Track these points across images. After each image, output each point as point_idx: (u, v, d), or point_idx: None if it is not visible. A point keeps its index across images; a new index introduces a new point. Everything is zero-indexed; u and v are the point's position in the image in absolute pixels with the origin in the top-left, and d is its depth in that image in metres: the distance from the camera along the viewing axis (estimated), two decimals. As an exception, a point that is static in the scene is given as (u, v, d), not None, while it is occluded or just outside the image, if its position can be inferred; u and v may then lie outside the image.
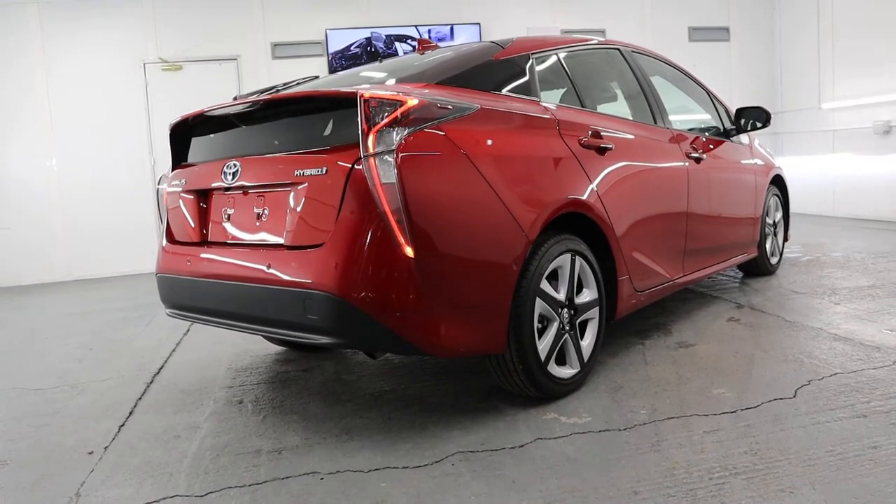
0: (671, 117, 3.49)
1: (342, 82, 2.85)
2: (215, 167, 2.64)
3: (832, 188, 7.73)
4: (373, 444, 2.30)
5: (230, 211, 2.63)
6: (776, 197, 4.66)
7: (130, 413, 2.79)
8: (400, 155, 2.11)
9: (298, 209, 2.30)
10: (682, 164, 3.36)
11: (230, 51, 7.08)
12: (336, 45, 7.21)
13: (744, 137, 4.27)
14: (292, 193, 2.33)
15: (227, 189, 2.61)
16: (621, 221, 2.86)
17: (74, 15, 6.76)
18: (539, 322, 2.49)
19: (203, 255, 2.65)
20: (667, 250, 3.27)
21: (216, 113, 2.67)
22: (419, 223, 2.12)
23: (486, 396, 2.67)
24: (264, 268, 2.37)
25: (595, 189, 2.69)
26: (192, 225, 2.76)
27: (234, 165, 2.54)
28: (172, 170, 2.96)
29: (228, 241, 2.60)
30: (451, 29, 7.41)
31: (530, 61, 2.77)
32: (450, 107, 2.28)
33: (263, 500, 1.94)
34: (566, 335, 2.58)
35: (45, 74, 6.72)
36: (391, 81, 2.52)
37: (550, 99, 2.83)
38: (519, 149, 2.44)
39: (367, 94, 2.18)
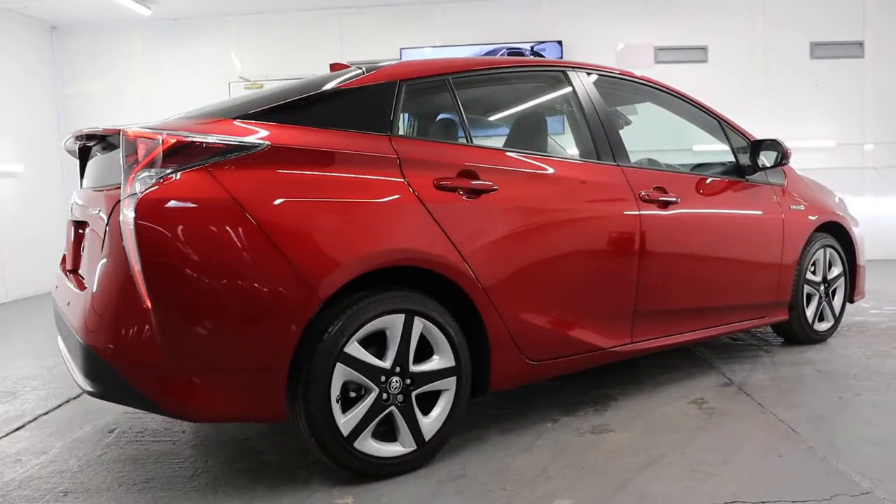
0: (664, 153, 2.89)
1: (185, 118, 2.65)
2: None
3: None
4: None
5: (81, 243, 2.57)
6: (830, 249, 3.78)
7: None
8: (147, 198, 1.93)
9: (83, 249, 2.18)
10: (630, 208, 2.78)
11: (308, 71, 7.24)
12: (410, 64, 7.12)
13: (773, 176, 3.50)
14: (86, 231, 2.23)
15: (76, 222, 2.56)
16: (499, 277, 2.40)
17: (171, 35, 7.29)
18: (355, 391, 2.16)
19: (61, 284, 2.61)
20: (594, 313, 2.72)
21: (75, 144, 2.62)
22: (161, 274, 1.92)
23: (312, 465, 2.36)
24: (67, 306, 2.30)
25: (450, 238, 2.28)
26: (67, 252, 2.74)
27: (76, 197, 2.50)
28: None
29: (70, 273, 2.55)
30: (532, 48, 7.00)
31: (395, 90, 2.41)
32: (222, 145, 2.02)
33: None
34: (392, 407, 2.20)
35: (142, 90, 7.29)
36: (204, 116, 2.30)
37: (427, 132, 2.46)
38: (320, 193, 2.10)
39: (129, 132, 2.01)
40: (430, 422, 2.30)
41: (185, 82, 7.27)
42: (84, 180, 2.71)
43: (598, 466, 2.27)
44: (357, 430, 2.15)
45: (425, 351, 2.30)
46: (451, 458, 2.38)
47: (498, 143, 2.82)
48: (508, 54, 3.43)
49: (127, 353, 1.95)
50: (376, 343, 2.21)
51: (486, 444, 2.50)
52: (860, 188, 7.00)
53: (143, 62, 7.33)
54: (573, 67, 2.93)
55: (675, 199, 2.95)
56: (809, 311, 3.70)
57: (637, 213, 2.80)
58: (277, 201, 2.04)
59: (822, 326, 3.80)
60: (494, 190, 2.42)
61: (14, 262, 6.57)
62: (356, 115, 2.32)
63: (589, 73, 2.97)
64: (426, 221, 2.25)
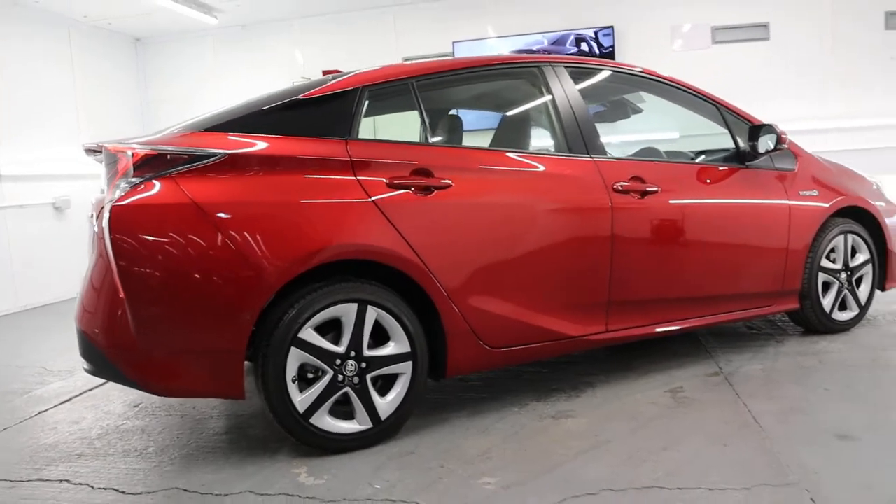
0: (666, 140, 2.91)
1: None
2: None
3: None
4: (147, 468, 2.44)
5: None
6: (853, 236, 3.62)
7: None
8: (119, 204, 2.24)
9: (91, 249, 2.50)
10: (601, 200, 2.83)
11: (365, 65, 7.54)
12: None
13: (781, 161, 3.40)
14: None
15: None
16: (454, 269, 2.55)
17: (240, 41, 7.77)
18: (313, 373, 2.40)
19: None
20: (563, 302, 2.80)
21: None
22: (131, 269, 2.22)
23: (285, 440, 2.62)
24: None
25: (401, 233, 2.45)
26: None
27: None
28: None
29: None
30: (582, 37, 6.95)
31: (356, 96, 2.59)
32: (186, 156, 2.29)
33: None
34: (348, 388, 2.42)
35: (214, 92, 7.80)
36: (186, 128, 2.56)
37: (392, 132, 2.64)
38: (273, 195, 2.33)
39: (109, 146, 2.33)
40: (387, 403, 2.49)
41: (253, 83, 7.74)
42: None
43: (539, 450, 2.39)
44: (313, 408, 2.38)
45: (386, 337, 2.49)
46: (408, 437, 2.57)
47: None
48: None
49: (109, 337, 2.28)
50: (336, 329, 2.43)
51: (447, 426, 2.66)
52: (943, 167, 6.47)
53: (215, 66, 7.87)
54: (547, 62, 2.99)
55: (654, 188, 2.96)
56: (827, 300, 3.57)
57: (608, 204, 2.84)
58: (233, 204, 2.29)
59: (843, 316, 3.65)
60: (449, 186, 2.56)
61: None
62: (316, 122, 2.53)
63: (566, 67, 3.03)
64: (376, 218, 2.43)
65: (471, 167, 2.67)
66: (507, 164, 2.77)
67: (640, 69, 3.31)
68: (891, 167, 6.46)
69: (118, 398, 3.30)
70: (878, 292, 3.81)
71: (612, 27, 6.90)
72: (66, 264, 5.65)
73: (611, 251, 2.86)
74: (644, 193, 2.94)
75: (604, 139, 3.02)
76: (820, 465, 2.15)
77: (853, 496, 1.95)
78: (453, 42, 7.26)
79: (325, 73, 3.08)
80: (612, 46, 6.93)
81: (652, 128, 5.18)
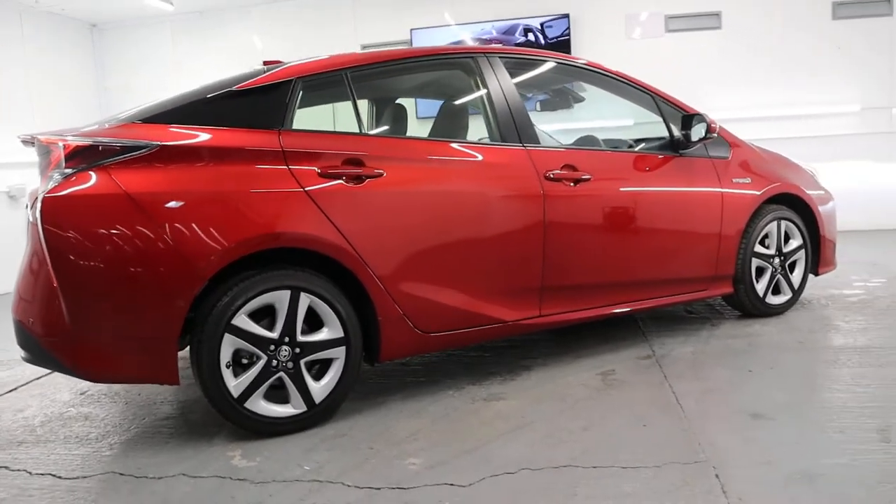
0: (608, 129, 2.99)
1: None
2: None
3: None
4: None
5: None
6: (787, 222, 3.75)
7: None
8: (51, 195, 2.27)
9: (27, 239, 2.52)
10: (532, 187, 2.91)
11: (325, 52, 7.54)
12: (422, 44, 7.28)
13: (715, 149, 3.52)
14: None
15: None
16: (386, 256, 2.62)
17: (199, 28, 7.74)
18: (248, 358, 2.46)
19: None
20: (496, 288, 2.89)
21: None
22: (64, 258, 2.26)
23: (225, 424, 2.68)
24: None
25: (332, 221, 2.51)
26: None
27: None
28: None
29: None
30: (541, 26, 7.01)
31: (290, 88, 2.64)
32: (118, 147, 2.32)
33: None
34: (282, 373, 2.48)
35: (176, 78, 7.70)
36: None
37: (326, 123, 2.69)
38: (204, 185, 2.38)
39: (42, 138, 2.36)
40: (321, 387, 2.56)
41: (213, 70, 7.67)
42: None
43: (466, 431, 2.48)
44: (247, 392, 2.44)
45: (320, 323, 2.56)
46: (344, 420, 2.64)
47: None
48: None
49: (43, 325, 2.33)
50: (271, 316, 2.49)
51: (383, 409, 2.75)
52: (889, 154, 6.68)
53: (175, 53, 7.82)
54: (482, 54, 3.06)
55: (587, 176, 3.06)
56: (760, 285, 3.71)
57: (540, 192, 2.93)
58: (165, 194, 2.33)
59: (776, 300, 3.80)
60: (381, 175, 2.62)
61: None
62: (250, 113, 2.57)
63: (502, 58, 3.10)
64: (307, 207, 2.49)
65: (403, 156, 2.74)
66: (439, 153, 2.84)
67: (584, 61, 3.40)
68: (838, 154, 6.66)
69: (65, 386, 3.32)
70: (813, 277, 3.97)
71: (567, 15, 6.98)
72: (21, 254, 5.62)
73: (543, 238, 2.95)
74: (577, 181, 3.03)
75: (545, 127, 3.10)
76: (731, 443, 2.27)
77: (754, 472, 2.06)
78: (411, 29, 7.29)
79: (265, 63, 3.10)
80: (559, 37, 6.99)
81: (594, 116, 5.32)
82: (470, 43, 7.15)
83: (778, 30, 6.68)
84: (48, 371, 3.53)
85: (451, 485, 2.08)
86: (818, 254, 3.94)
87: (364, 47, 7.51)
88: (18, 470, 2.38)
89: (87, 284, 2.28)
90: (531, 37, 7.03)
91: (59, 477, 2.30)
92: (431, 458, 2.27)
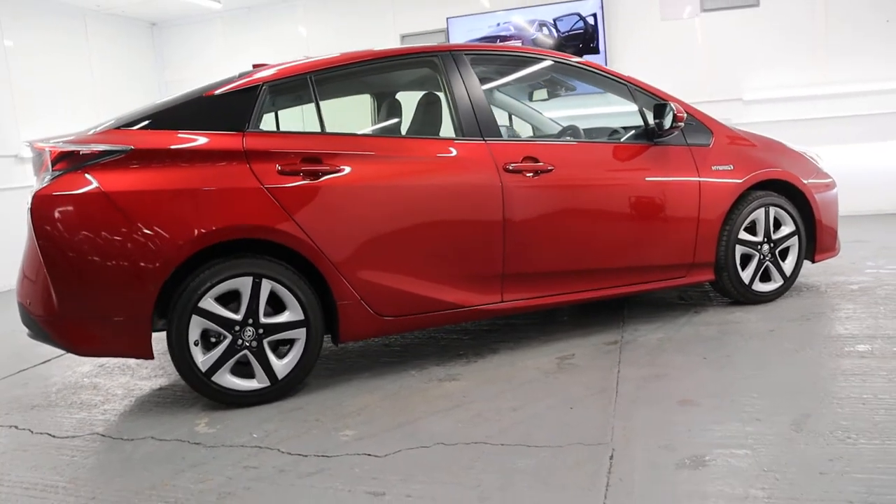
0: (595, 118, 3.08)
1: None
2: None
3: None
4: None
5: None
6: (776, 208, 3.71)
7: (30, 362, 3.77)
8: (39, 194, 2.63)
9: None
10: (491, 179, 3.05)
11: (366, 42, 7.78)
12: (459, 34, 7.39)
13: (694, 136, 3.52)
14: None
15: None
16: (343, 246, 2.85)
17: (247, 22, 8.13)
18: (215, 337, 2.76)
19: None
20: (456, 274, 3.06)
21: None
22: (51, 248, 2.62)
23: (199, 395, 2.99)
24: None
25: (290, 215, 2.76)
26: None
27: None
28: None
29: None
30: (544, 22, 6.99)
31: (257, 92, 2.89)
32: (95, 152, 2.65)
33: None
34: (246, 351, 2.76)
35: (226, 72, 8.18)
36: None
37: (294, 124, 2.92)
38: (172, 184, 2.67)
39: (35, 144, 2.72)
40: (283, 364, 2.84)
41: (261, 61, 8.11)
42: None
43: (406, 408, 2.69)
44: (215, 367, 2.74)
45: (283, 306, 2.82)
46: (305, 395, 2.91)
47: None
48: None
49: (39, 306, 2.70)
50: (239, 300, 2.77)
51: (344, 385, 2.99)
52: (942, 132, 6.29)
53: (225, 48, 8.27)
54: (446, 51, 3.22)
55: (548, 167, 3.16)
56: (746, 273, 3.69)
57: (499, 183, 3.07)
58: (137, 192, 2.65)
59: (765, 287, 3.77)
60: (339, 171, 2.85)
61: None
62: (218, 117, 2.85)
63: (468, 55, 3.24)
64: (265, 201, 2.75)
65: (362, 153, 2.95)
66: (398, 149, 3.04)
67: (552, 54, 3.48)
68: (887, 133, 6.36)
69: (91, 360, 3.75)
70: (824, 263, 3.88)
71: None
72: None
73: (503, 227, 3.09)
74: (537, 172, 3.15)
75: (545, 117, 3.21)
76: (644, 427, 2.37)
77: (648, 455, 2.16)
78: (447, 18, 7.42)
79: (254, 66, 3.37)
80: (571, 30, 6.94)
81: (582, 107, 5.32)
82: (513, 29, 7.23)
83: (820, 4, 6.39)
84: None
85: (369, 455, 2.30)
86: (814, 240, 3.87)
87: (402, 37, 7.70)
88: (24, 429, 2.78)
89: (70, 270, 2.63)
90: (545, 31, 7.05)
91: (53, 436, 2.68)
92: (364, 431, 2.50)
